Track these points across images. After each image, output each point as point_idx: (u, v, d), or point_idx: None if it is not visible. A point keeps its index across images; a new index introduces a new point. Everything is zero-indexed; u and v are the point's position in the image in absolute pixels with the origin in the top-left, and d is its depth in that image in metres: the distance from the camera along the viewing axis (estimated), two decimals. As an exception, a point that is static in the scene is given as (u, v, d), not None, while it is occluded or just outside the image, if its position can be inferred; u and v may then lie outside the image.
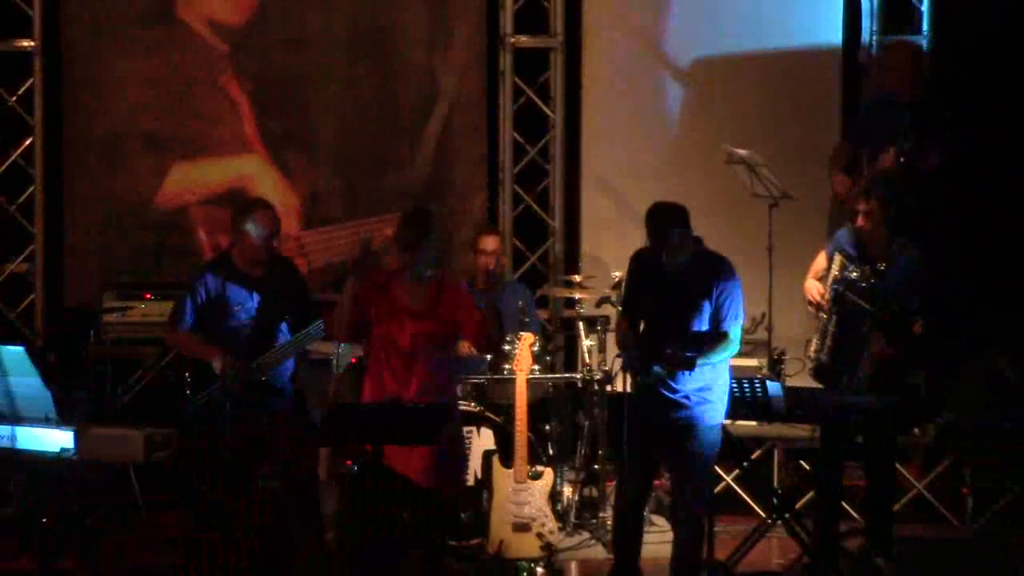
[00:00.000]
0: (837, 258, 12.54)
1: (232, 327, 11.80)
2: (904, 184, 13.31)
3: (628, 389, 11.80)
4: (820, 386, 12.55)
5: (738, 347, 11.68)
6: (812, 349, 12.56)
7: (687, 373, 11.17)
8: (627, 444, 11.59)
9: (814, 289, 12.67)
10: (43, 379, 12.34)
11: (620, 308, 12.58)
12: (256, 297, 11.86)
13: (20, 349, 12.63)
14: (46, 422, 12.21)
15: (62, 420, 12.43)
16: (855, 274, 12.39)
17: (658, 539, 12.30)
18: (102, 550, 13.29)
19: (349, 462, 11.36)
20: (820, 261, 12.75)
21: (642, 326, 11.48)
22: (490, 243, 13.87)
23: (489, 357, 13.48)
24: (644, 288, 11.52)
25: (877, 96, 14.93)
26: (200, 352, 11.83)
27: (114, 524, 13.63)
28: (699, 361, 11.15)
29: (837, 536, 12.78)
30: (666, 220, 11.23)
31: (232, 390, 11.64)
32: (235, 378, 11.64)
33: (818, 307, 12.57)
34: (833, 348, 12.41)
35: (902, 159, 13.71)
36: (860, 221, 12.65)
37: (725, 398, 11.47)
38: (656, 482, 12.14)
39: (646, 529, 12.50)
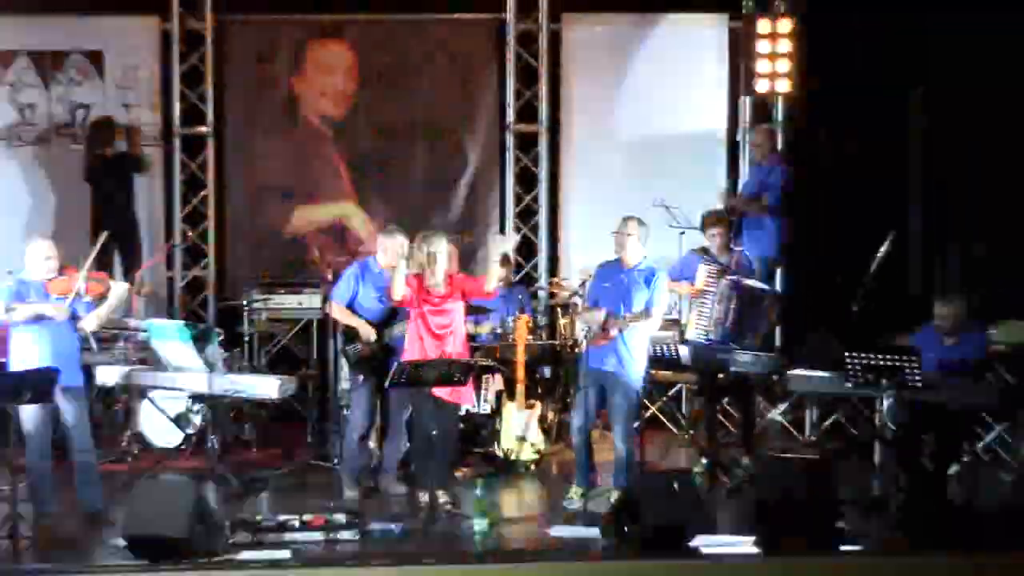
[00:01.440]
0: (703, 268, 12.60)
1: (372, 305, 11.97)
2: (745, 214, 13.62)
3: (585, 350, 11.93)
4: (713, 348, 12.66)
5: (659, 323, 11.81)
6: (702, 325, 12.58)
7: (624, 334, 11.32)
8: (582, 384, 11.73)
9: (683, 288, 12.76)
10: (200, 344, 12.51)
11: (583, 298, 12.69)
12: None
13: (181, 322, 12.86)
14: (213, 370, 12.38)
15: (225, 370, 12.64)
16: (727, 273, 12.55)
17: (607, 447, 12.33)
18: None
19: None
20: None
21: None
22: (502, 269, 14.05)
23: (500, 331, 13.64)
24: (605, 281, 11.64)
25: (754, 163, 15.09)
26: (352, 321, 12.02)
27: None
28: (637, 325, 11.35)
29: (719, 444, 12.90)
30: (629, 219, 11.59)
31: (372, 346, 11.85)
32: (375, 341, 11.86)
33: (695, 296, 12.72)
34: (736, 320, 12.44)
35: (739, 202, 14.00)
36: (718, 240, 12.80)
37: (645, 356, 11.56)
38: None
39: (600, 440, 12.63)
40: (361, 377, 12.10)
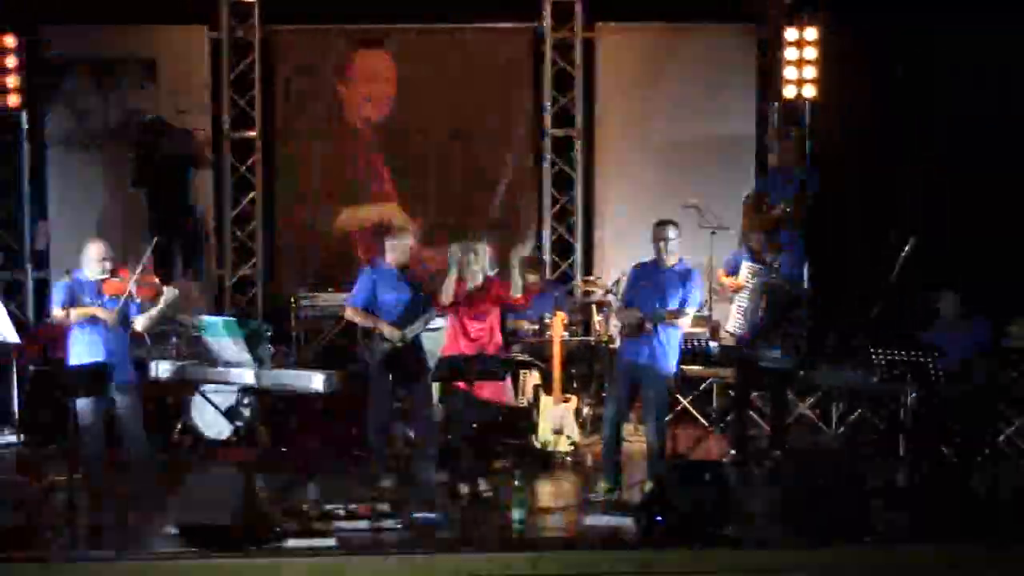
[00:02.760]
0: (746, 265, 12.63)
1: (388, 306, 11.91)
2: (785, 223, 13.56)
3: (619, 346, 11.94)
4: (745, 344, 12.65)
5: (691, 320, 11.79)
6: (739, 319, 12.66)
7: (658, 330, 11.28)
8: (616, 379, 11.71)
9: (729, 284, 12.79)
10: (249, 340, 12.53)
11: (620, 296, 12.70)
12: (402, 286, 11.97)
13: (231, 319, 12.88)
14: (262, 365, 12.39)
15: (271, 365, 12.66)
16: (772, 275, 12.55)
17: (637, 439, 12.35)
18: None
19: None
20: (721, 273, 12.80)
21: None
22: (531, 276, 13.91)
23: (537, 327, 13.61)
24: (642, 280, 11.59)
25: (775, 166, 15.04)
26: (370, 322, 11.93)
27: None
28: (673, 321, 11.30)
29: (748, 438, 12.85)
30: (666, 223, 11.51)
31: (394, 346, 11.79)
32: (399, 338, 11.79)
33: (736, 291, 12.74)
34: (764, 317, 12.52)
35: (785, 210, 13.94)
36: (758, 245, 12.79)
37: (678, 351, 11.51)
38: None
39: (633, 433, 12.62)
40: (384, 373, 12.01)
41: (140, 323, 11.38)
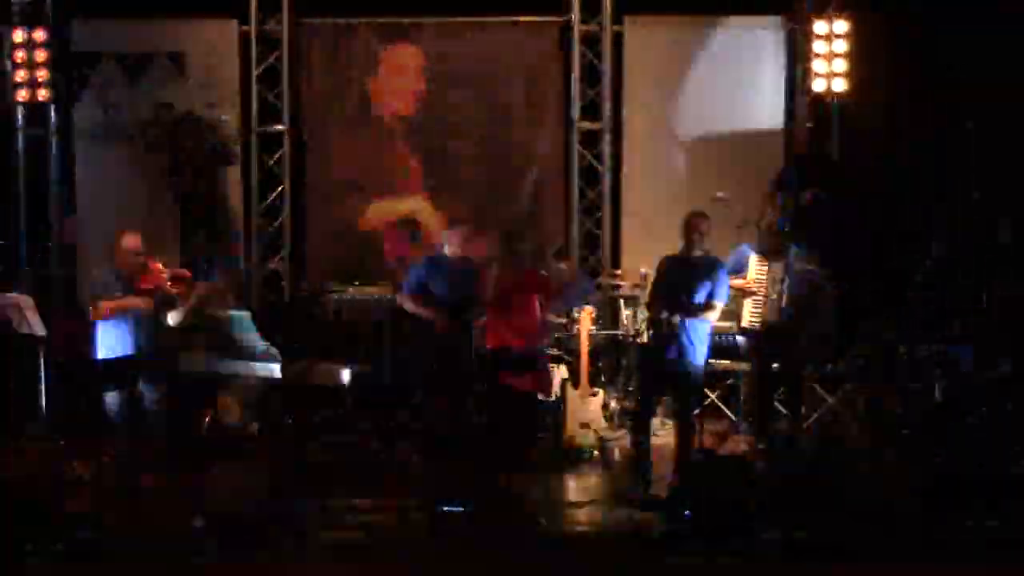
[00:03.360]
0: (755, 258, 12.60)
1: (441, 295, 11.98)
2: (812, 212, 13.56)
3: (647, 341, 11.98)
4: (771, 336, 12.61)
5: (719, 314, 11.81)
6: (757, 313, 12.58)
7: (686, 324, 11.29)
8: (644, 375, 11.75)
9: (739, 286, 12.70)
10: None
11: (647, 289, 12.74)
12: (456, 277, 12.06)
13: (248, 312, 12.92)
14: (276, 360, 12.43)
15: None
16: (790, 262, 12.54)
17: (665, 434, 12.37)
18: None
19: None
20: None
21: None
22: (564, 266, 13.90)
23: (564, 321, 13.62)
24: (670, 273, 11.68)
25: (796, 158, 15.02)
26: (425, 311, 12.01)
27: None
28: (699, 314, 11.37)
29: (773, 431, 12.85)
30: (699, 214, 11.65)
31: (444, 335, 11.88)
32: (450, 328, 11.89)
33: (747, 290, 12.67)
34: (792, 302, 12.47)
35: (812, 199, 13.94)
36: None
37: (706, 346, 11.53)
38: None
39: (661, 428, 12.65)
40: (432, 362, 12.11)
41: (171, 318, 11.45)
